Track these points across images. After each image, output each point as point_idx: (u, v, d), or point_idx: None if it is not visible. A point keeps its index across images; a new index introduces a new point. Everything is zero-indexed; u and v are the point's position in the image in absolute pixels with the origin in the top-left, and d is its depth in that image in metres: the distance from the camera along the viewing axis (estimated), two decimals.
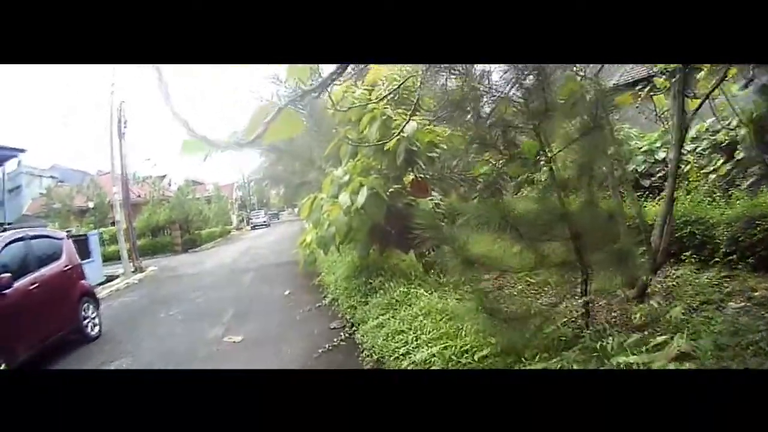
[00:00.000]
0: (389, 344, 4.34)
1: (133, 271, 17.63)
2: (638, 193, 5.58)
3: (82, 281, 8.49)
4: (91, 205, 29.58)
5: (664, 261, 5.15)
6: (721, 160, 7.13)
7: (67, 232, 10.42)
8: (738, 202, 5.97)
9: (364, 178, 5.89)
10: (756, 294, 4.47)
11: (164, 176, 38.80)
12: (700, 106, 5.11)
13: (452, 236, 3.10)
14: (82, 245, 13.70)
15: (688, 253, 5.59)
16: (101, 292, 12.85)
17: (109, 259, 20.29)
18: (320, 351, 5.70)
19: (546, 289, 5.59)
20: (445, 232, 3.14)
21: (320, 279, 9.81)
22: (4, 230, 7.91)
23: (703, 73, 5.31)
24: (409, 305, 4.92)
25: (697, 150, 7.57)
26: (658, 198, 7.25)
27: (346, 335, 6.13)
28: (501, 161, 5.98)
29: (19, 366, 6.06)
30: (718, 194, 6.48)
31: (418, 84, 3.94)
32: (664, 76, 6.08)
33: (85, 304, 8.15)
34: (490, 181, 6.59)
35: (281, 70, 2.69)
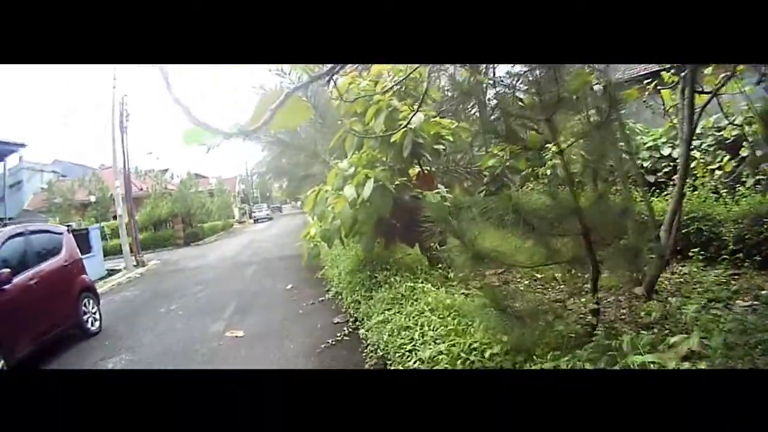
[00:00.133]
0: (395, 340, 4.28)
1: (134, 265, 17.63)
2: (644, 189, 5.53)
3: (83, 276, 8.45)
4: (92, 199, 29.52)
5: (672, 258, 5.11)
6: (727, 157, 7.08)
7: (67, 226, 10.37)
8: (744, 199, 5.93)
9: (370, 170, 5.82)
10: (763, 292, 4.43)
11: (167, 170, 38.80)
12: (709, 101, 5.06)
13: (462, 230, 3.04)
14: (83, 240, 13.70)
15: (695, 250, 5.52)
16: (102, 287, 12.87)
17: (111, 253, 20.38)
18: (323, 346, 5.68)
19: (552, 284, 5.56)
20: (455, 226, 3.07)
21: (323, 273, 9.78)
22: (5, 225, 7.88)
23: (709, 69, 5.25)
24: (415, 300, 4.84)
25: (702, 146, 7.51)
26: (664, 193, 7.21)
27: (350, 330, 6.10)
28: (508, 154, 5.96)
29: (19, 362, 6.05)
30: (724, 191, 6.43)
31: (426, 75, 3.88)
32: (671, 71, 6.02)
33: (85, 299, 8.13)
34: (496, 175, 6.56)
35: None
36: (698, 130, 7.34)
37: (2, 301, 5.99)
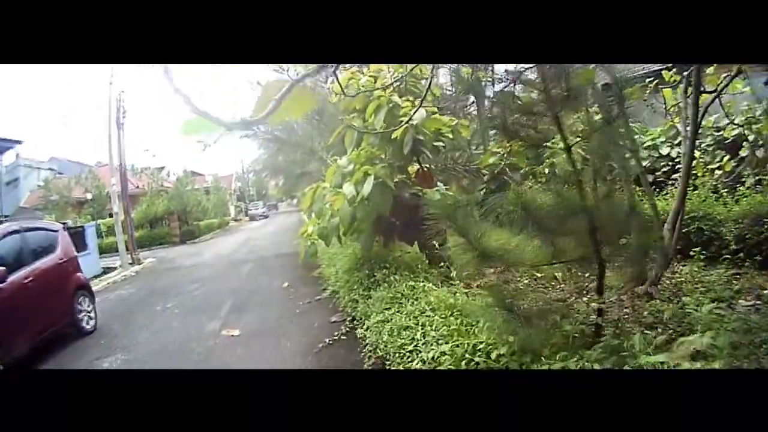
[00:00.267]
0: (395, 340, 4.20)
1: (130, 263, 17.59)
2: (642, 189, 5.52)
3: (78, 274, 8.38)
4: (89, 196, 29.45)
5: (674, 257, 5.10)
6: (727, 157, 7.09)
7: (63, 224, 10.30)
8: (744, 199, 5.94)
9: (370, 167, 5.76)
10: (765, 292, 4.45)
11: (163, 167, 38.68)
12: (713, 100, 5.05)
13: (467, 227, 2.99)
14: (78, 237, 13.63)
15: (696, 250, 5.51)
16: (98, 285, 12.80)
17: (107, 250, 20.34)
18: (321, 345, 5.63)
19: (552, 284, 5.52)
20: (460, 223, 3.02)
21: (319, 271, 9.73)
22: (0, 223, 7.81)
23: (711, 68, 5.23)
24: (416, 299, 4.75)
25: (702, 146, 7.51)
26: (663, 193, 7.20)
27: (347, 329, 6.05)
28: (508, 152, 5.92)
29: (13, 361, 5.98)
30: (725, 191, 6.43)
31: (428, 72, 3.83)
32: (673, 70, 5.99)
33: (81, 298, 8.07)
34: (497, 173, 6.52)
35: None
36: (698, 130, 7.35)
37: None
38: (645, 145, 8.56)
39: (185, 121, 2.29)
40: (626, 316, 4.16)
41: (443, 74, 7.03)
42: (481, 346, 3.32)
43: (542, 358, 2.81)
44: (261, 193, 63.66)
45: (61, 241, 8.17)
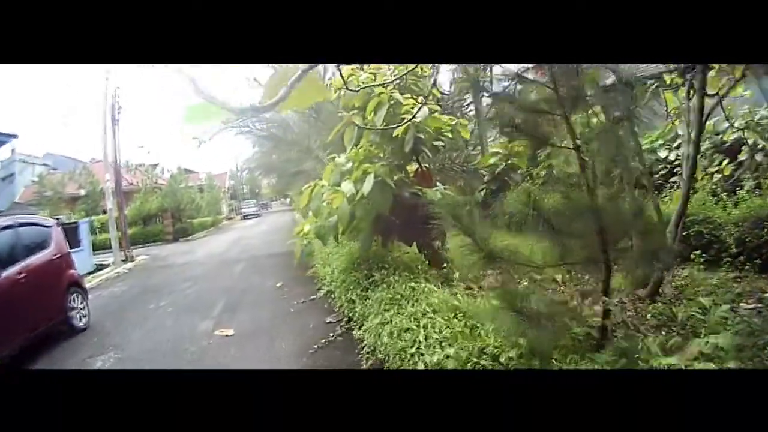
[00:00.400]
0: (395, 342, 4.10)
1: (123, 260, 17.45)
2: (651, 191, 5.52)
3: (71, 270, 8.28)
4: (82, 192, 29.28)
5: (676, 259, 5.09)
6: (726, 161, 7.11)
7: (56, 219, 10.19)
8: (744, 202, 5.97)
9: (369, 165, 5.69)
10: (766, 295, 4.47)
11: (157, 164, 38.43)
12: (717, 103, 5.03)
13: (473, 228, 2.93)
14: (72, 233, 13.50)
15: (696, 253, 5.50)
16: (91, 282, 12.69)
17: (100, 247, 20.24)
18: (316, 346, 5.56)
19: (553, 286, 5.48)
20: (466, 223, 2.96)
21: (313, 271, 9.66)
22: None
23: (712, 72, 5.21)
24: (416, 301, 4.63)
25: (701, 149, 7.51)
26: (662, 196, 7.20)
27: (343, 330, 5.98)
28: (510, 152, 5.89)
29: (5, 358, 5.88)
30: (724, 194, 6.44)
31: (430, 70, 3.79)
32: (675, 73, 5.98)
33: (73, 295, 7.95)
34: (497, 173, 6.49)
35: None
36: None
37: None
38: (643, 148, 8.56)
39: (189, 106, 2.24)
40: (630, 319, 4.13)
41: (442, 73, 7.01)
42: (488, 349, 3.25)
43: (553, 360, 2.77)
44: (254, 191, 63.55)
45: (55, 237, 8.07)
